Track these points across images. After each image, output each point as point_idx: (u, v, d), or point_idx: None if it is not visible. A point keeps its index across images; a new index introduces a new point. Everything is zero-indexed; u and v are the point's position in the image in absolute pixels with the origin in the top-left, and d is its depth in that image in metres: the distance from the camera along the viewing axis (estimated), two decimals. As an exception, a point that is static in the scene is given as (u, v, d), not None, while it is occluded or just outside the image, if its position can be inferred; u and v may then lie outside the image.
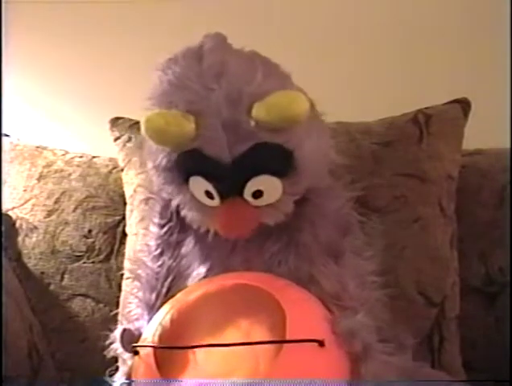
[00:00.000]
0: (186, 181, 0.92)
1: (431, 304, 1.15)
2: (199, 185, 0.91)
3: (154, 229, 1.04)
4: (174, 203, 0.98)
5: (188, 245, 1.01)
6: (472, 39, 1.47)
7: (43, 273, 1.32)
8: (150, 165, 0.96)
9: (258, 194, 0.90)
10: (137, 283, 1.03)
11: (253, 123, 0.86)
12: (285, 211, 0.94)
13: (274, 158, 0.89)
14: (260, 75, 0.88)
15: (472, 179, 1.25)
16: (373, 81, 1.48)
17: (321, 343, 0.79)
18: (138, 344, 0.89)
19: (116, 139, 1.33)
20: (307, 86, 0.93)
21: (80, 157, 1.41)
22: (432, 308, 1.15)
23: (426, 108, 1.24)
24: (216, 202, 0.91)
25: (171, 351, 0.85)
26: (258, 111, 0.86)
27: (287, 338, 0.79)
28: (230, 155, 0.87)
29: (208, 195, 0.91)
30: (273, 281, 0.89)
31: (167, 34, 1.54)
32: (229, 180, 0.89)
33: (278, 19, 1.52)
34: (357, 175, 1.14)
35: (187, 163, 0.90)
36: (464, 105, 1.23)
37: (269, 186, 0.90)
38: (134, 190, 1.28)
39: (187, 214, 0.96)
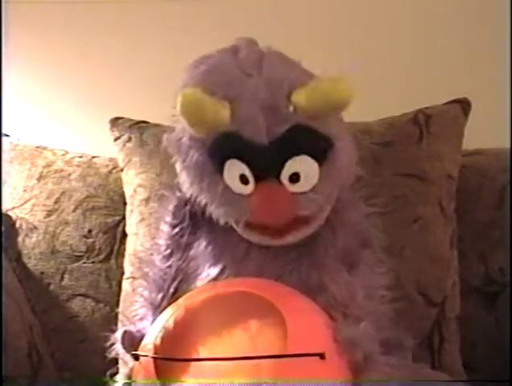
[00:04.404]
0: (220, 168, 0.90)
1: (431, 304, 1.15)
2: (234, 168, 0.89)
3: (165, 228, 1.03)
4: (202, 201, 0.95)
5: (198, 247, 1.00)
6: (472, 39, 1.47)
7: (43, 273, 1.32)
8: (179, 165, 0.95)
9: (294, 177, 0.89)
10: (143, 282, 1.02)
11: (291, 108, 0.86)
12: (319, 203, 0.92)
13: (312, 139, 0.88)
14: (300, 69, 0.90)
15: (472, 179, 1.25)
16: (373, 81, 1.47)
17: (322, 356, 0.78)
18: (138, 353, 0.88)
19: (116, 139, 1.33)
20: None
21: (80, 157, 1.41)
22: (432, 308, 1.15)
23: (426, 108, 1.24)
24: (250, 187, 0.90)
25: (172, 351, 0.85)
26: (298, 96, 0.86)
27: (288, 349, 0.78)
28: (267, 137, 0.87)
29: (243, 180, 0.90)
30: (277, 289, 0.89)
31: (167, 34, 1.55)
32: (266, 161, 0.88)
33: (277, 18, 1.52)
34: (360, 174, 1.14)
35: (223, 146, 0.89)
36: (464, 105, 1.23)
37: (306, 168, 0.89)
38: (134, 190, 1.28)
39: (215, 211, 0.94)
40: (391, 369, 0.85)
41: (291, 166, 0.88)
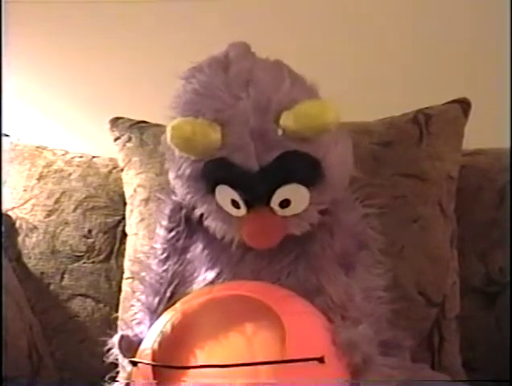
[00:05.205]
0: (212, 190, 0.92)
1: (431, 304, 1.15)
2: (225, 194, 0.91)
3: (161, 232, 1.04)
4: (197, 213, 0.97)
5: (194, 251, 1.01)
6: (472, 39, 1.47)
7: (43, 273, 1.32)
8: (172, 174, 0.96)
9: (285, 203, 0.90)
10: (140, 286, 1.03)
11: (280, 132, 0.86)
12: (311, 221, 0.94)
13: (302, 166, 0.89)
14: (288, 84, 0.89)
15: (472, 179, 1.25)
16: (373, 81, 1.48)
17: (321, 360, 0.78)
18: (136, 359, 0.87)
19: (116, 139, 1.33)
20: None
21: (80, 157, 1.41)
22: (432, 308, 1.15)
23: (426, 108, 1.24)
24: (242, 211, 0.91)
25: (170, 356, 0.85)
26: (287, 120, 0.86)
27: (287, 352, 0.78)
28: (258, 164, 0.87)
29: (235, 204, 0.91)
30: (274, 292, 0.89)
31: (167, 34, 1.55)
32: (257, 189, 0.89)
33: (278, 18, 1.53)
34: (357, 175, 1.14)
35: (214, 172, 0.90)
36: (464, 105, 1.23)
37: (297, 196, 0.90)
38: (134, 190, 1.28)
39: (211, 224, 0.96)
40: (390, 371, 0.85)
41: (282, 193, 0.89)
